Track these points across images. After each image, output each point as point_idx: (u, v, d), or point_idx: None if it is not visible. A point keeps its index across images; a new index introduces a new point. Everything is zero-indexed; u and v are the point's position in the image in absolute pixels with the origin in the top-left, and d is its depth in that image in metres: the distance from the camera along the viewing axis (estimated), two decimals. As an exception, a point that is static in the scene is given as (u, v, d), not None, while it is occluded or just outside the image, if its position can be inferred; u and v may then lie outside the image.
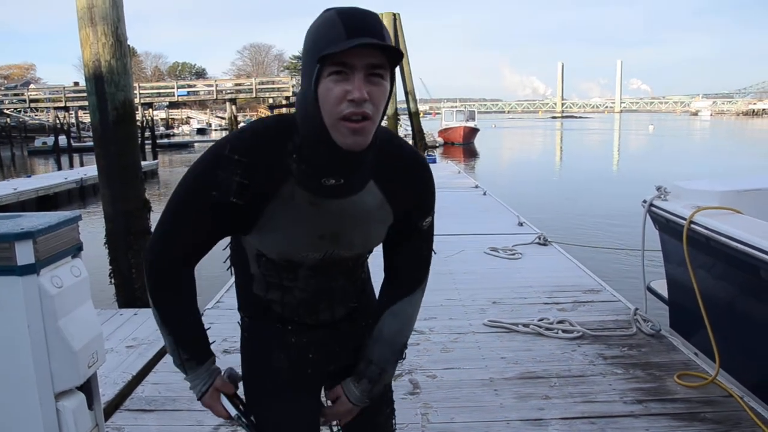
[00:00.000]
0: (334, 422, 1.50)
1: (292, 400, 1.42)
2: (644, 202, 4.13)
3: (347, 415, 1.45)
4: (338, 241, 1.28)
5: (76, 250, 1.73)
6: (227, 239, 1.44)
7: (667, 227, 3.88)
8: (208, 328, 1.39)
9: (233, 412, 1.39)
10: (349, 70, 1.07)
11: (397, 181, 1.28)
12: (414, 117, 22.45)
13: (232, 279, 1.49)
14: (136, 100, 29.66)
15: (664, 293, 4.35)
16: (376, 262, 1.43)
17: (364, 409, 1.47)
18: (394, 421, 1.61)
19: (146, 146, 33.48)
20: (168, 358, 3.69)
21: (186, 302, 1.35)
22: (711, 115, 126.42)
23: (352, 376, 1.45)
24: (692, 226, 3.42)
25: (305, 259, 1.29)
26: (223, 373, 1.42)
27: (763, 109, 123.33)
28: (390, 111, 20.31)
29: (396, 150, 1.30)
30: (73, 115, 41.96)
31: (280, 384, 1.42)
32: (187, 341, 1.35)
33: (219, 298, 4.90)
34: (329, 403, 1.48)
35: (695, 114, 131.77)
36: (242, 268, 1.41)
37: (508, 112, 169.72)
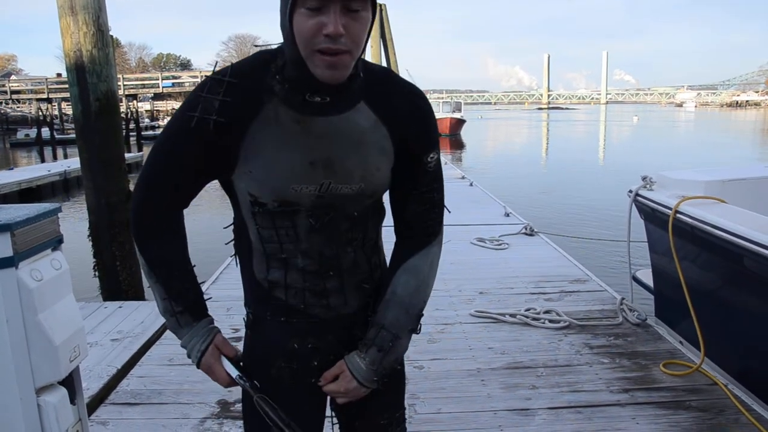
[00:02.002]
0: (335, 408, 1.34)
1: (292, 411, 1.26)
2: (630, 191, 4.15)
3: (350, 395, 1.28)
4: (333, 170, 1.16)
5: (56, 242, 1.69)
6: (227, 220, 1.34)
7: (653, 217, 3.90)
8: None
9: (234, 373, 1.26)
10: (324, 1, 1.02)
11: (390, 104, 1.20)
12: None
13: (217, 273, 1.42)
14: (120, 92, 29.45)
15: (650, 282, 4.38)
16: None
17: (369, 410, 1.34)
18: (404, 426, 1.46)
19: (131, 138, 33.16)
20: (153, 351, 3.68)
21: (175, 247, 1.27)
22: (696, 106, 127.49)
23: (357, 348, 1.28)
24: (677, 215, 3.44)
25: (300, 197, 1.16)
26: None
27: (747, 101, 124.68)
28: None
29: (389, 77, 1.24)
30: (56, 107, 41.48)
31: (278, 394, 1.27)
32: (179, 290, 1.26)
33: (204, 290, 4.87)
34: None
35: (680, 105, 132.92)
36: (243, 244, 1.29)
37: (495, 103, 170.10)
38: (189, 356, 1.29)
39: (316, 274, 1.24)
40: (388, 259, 1.39)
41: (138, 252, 1.26)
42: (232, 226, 1.33)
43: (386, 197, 1.33)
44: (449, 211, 1.38)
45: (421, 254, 1.30)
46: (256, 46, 1.22)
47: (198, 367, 1.29)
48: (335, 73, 1.06)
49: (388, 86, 1.21)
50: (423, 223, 1.30)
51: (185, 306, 1.26)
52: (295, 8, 1.04)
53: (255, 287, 1.29)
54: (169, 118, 1.20)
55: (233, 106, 1.12)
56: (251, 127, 1.13)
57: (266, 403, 1.23)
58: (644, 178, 4.05)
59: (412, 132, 1.22)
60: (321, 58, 1.05)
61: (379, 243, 1.36)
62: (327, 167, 1.16)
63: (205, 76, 1.23)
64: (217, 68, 1.19)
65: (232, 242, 1.33)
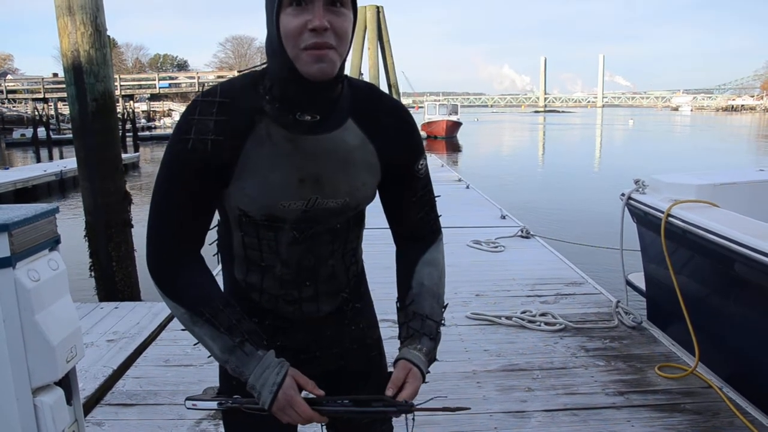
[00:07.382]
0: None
1: (259, 418, 1.20)
2: (622, 195, 4.16)
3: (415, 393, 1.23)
4: (321, 186, 1.18)
5: (53, 243, 1.69)
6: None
7: (645, 220, 3.92)
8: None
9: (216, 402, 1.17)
10: (308, 1, 1.06)
11: (376, 120, 1.24)
12: (397, 110, 22.41)
13: (215, 272, 1.35)
14: (117, 92, 29.35)
15: (642, 286, 4.40)
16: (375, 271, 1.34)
17: (355, 426, 1.35)
18: (390, 425, 1.45)
19: (127, 139, 33.09)
20: (149, 352, 3.68)
21: (208, 282, 1.20)
22: (691, 110, 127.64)
23: (404, 345, 1.27)
24: (669, 219, 3.45)
25: (287, 213, 1.18)
26: (203, 391, 1.24)
27: (742, 105, 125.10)
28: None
29: (373, 93, 1.27)
30: (52, 107, 41.32)
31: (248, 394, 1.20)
32: (230, 324, 1.15)
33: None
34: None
35: (676, 109, 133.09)
36: (226, 245, 1.30)
37: (491, 105, 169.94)
38: (259, 396, 1.14)
39: (292, 283, 1.27)
40: (379, 263, 1.39)
41: (171, 304, 1.18)
42: (216, 228, 1.33)
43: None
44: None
45: (433, 248, 1.36)
46: (239, 71, 1.22)
47: (271, 405, 1.13)
48: (323, 66, 1.08)
49: (374, 103, 1.24)
50: (427, 225, 1.36)
51: (243, 336, 1.15)
52: (281, 10, 1.08)
53: (232, 285, 1.32)
54: (169, 136, 1.16)
55: (228, 125, 1.13)
56: (246, 145, 1.15)
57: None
58: (637, 182, 4.07)
59: (400, 147, 1.27)
60: (308, 54, 1.07)
61: (358, 251, 1.38)
62: (315, 183, 1.18)
63: (199, 75, 1.23)
64: (212, 69, 1.18)
65: (215, 242, 1.34)
